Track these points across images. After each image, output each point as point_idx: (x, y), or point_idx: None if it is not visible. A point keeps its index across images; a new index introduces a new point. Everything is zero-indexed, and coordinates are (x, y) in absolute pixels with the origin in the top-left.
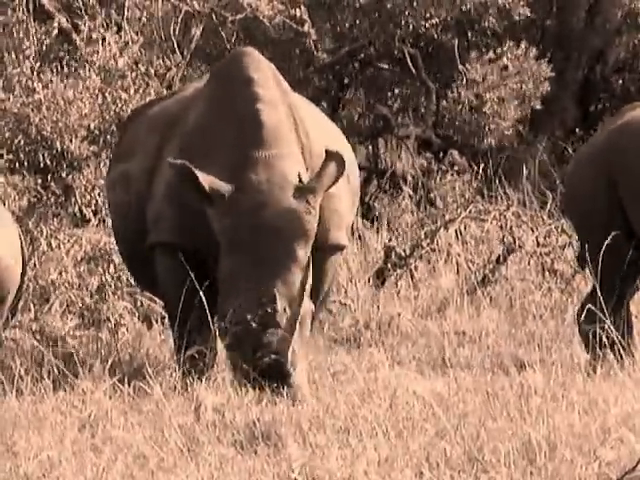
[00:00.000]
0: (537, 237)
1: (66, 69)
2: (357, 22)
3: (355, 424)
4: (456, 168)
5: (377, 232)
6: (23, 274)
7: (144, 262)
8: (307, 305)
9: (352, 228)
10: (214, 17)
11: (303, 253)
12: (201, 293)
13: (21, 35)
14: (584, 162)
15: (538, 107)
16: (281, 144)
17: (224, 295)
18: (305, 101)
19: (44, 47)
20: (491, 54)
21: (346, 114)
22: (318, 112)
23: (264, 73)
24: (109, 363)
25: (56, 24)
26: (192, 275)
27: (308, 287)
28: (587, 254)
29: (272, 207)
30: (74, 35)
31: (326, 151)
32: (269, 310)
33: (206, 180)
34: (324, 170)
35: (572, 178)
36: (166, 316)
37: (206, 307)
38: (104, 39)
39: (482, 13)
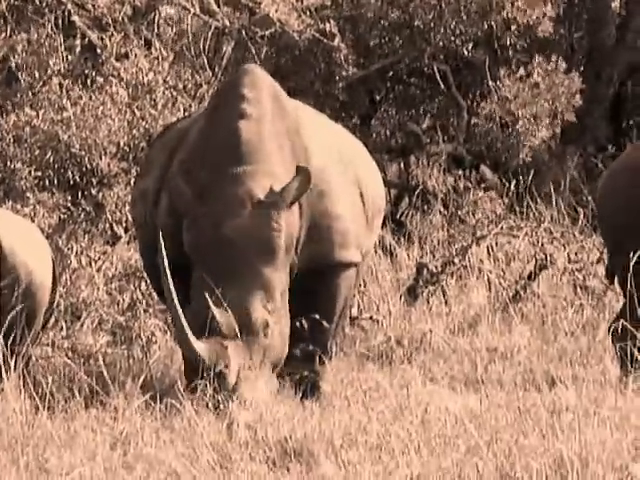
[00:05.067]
0: (568, 253)
1: (92, 85)
2: (387, 39)
3: (387, 441)
4: (487, 184)
5: (408, 249)
6: (54, 291)
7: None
8: (260, 317)
9: (383, 245)
10: (244, 33)
11: (264, 266)
12: (208, 303)
13: (48, 51)
14: (615, 179)
15: (572, 119)
16: (258, 161)
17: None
18: (317, 117)
19: (68, 64)
20: (522, 70)
21: (377, 131)
22: (332, 127)
23: (258, 91)
24: (141, 380)
25: (78, 40)
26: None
27: (272, 301)
28: (617, 269)
29: (229, 222)
30: (102, 50)
31: (297, 167)
32: (183, 319)
33: (179, 192)
34: (288, 185)
35: (603, 194)
36: None
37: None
38: (134, 54)
39: (504, 30)
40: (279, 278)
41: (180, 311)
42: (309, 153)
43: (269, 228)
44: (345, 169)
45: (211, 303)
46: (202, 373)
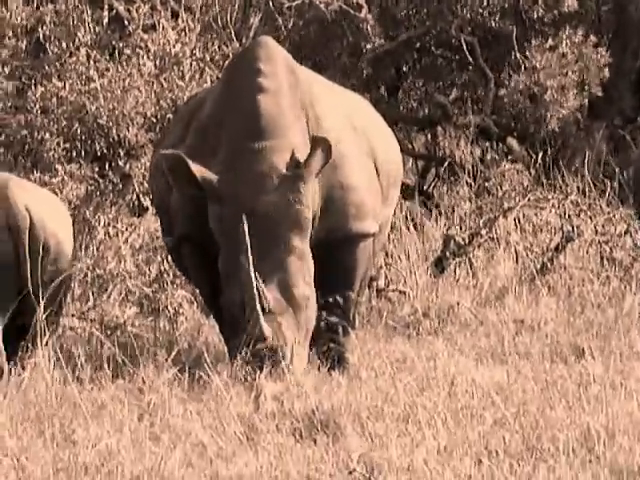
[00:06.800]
0: (596, 225)
1: (120, 56)
2: (414, 10)
3: (414, 413)
4: (514, 156)
5: (436, 220)
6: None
7: (178, 252)
8: (303, 291)
9: (410, 216)
10: (271, 4)
11: (297, 239)
12: (255, 282)
13: (76, 23)
14: None
15: (599, 94)
16: (278, 135)
17: (222, 283)
18: (330, 87)
19: (96, 35)
20: (550, 42)
21: (404, 102)
22: (345, 98)
23: (273, 64)
24: (168, 352)
25: (106, 12)
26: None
27: (308, 273)
28: None
29: (259, 196)
30: (130, 22)
31: (313, 138)
32: (255, 297)
33: (197, 170)
34: (311, 157)
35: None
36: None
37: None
38: (162, 26)
39: (532, 3)
40: (308, 249)
41: (254, 286)
42: (322, 125)
43: (297, 201)
44: (359, 140)
45: (260, 280)
46: (263, 350)
